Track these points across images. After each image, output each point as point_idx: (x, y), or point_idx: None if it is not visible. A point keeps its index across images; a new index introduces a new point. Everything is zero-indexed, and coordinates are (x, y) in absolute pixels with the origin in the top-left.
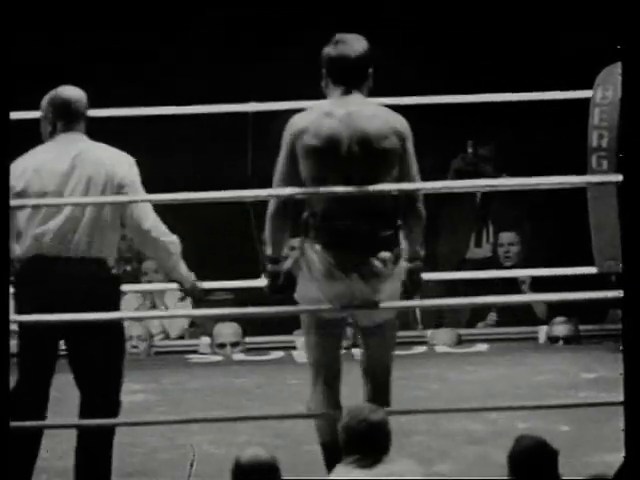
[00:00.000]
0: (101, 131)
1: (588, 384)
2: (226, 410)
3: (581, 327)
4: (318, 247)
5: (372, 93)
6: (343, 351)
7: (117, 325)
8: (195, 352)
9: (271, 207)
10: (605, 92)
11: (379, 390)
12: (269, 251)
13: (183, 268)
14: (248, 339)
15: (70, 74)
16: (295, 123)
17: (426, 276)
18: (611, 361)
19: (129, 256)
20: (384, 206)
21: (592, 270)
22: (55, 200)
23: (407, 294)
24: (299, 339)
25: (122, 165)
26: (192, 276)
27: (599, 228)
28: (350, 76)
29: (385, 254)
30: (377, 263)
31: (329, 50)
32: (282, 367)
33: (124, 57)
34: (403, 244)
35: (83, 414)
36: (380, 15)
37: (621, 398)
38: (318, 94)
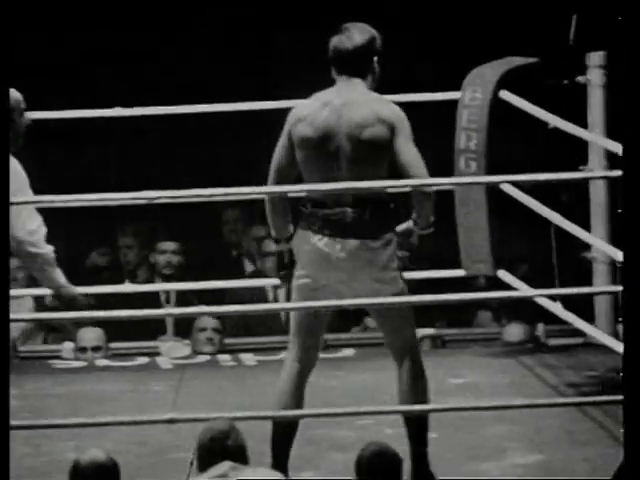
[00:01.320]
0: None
1: (457, 389)
2: (89, 416)
3: (447, 331)
4: (309, 233)
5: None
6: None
7: None
8: (58, 357)
9: None
10: (474, 93)
11: (404, 372)
12: (272, 233)
13: (57, 278)
14: (112, 344)
15: (70, 74)
16: (295, 112)
17: None
18: (479, 366)
19: None
20: (373, 193)
21: (460, 273)
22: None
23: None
24: (163, 345)
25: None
26: (69, 288)
27: (468, 231)
28: (348, 66)
29: (371, 242)
30: (362, 249)
31: (332, 39)
32: (146, 373)
33: (124, 57)
34: (407, 223)
35: None
36: (380, 15)
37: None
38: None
